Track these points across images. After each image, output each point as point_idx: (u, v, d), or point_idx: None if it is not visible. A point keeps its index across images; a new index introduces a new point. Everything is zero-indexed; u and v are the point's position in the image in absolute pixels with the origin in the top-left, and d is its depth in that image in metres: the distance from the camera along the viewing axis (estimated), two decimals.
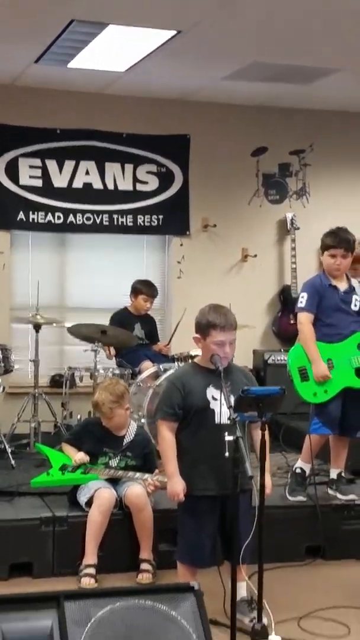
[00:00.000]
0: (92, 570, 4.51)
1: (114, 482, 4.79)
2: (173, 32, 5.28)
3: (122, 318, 6.80)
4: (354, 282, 5.12)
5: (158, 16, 5.00)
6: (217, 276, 7.49)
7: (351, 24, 4.86)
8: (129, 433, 4.92)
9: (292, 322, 7.20)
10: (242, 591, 4.07)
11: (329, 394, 4.95)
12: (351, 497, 5.14)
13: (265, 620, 3.86)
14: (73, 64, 6.09)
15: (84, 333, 6.27)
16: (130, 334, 6.56)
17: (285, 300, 7.56)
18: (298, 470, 5.17)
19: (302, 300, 5.07)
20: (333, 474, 5.22)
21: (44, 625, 2.91)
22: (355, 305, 5.03)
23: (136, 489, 4.69)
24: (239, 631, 3.69)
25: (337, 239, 5.05)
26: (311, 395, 5.00)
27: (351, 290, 5.05)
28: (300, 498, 5.09)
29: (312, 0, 4.55)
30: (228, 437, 3.65)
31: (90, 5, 4.73)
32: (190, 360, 5.13)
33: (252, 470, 3.63)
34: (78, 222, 7.19)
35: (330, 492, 5.21)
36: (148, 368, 6.33)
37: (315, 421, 5.07)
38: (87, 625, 2.92)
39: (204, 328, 4.03)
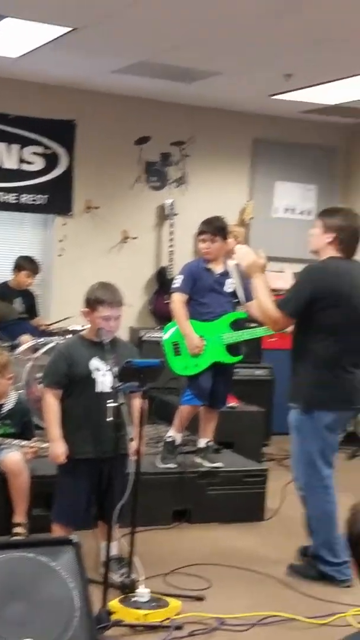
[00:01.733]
0: None
1: None
2: (68, 29, 5.42)
3: (2, 292, 6.91)
4: (228, 265, 5.49)
5: (55, 13, 5.14)
6: (97, 256, 7.72)
7: (230, 33, 5.21)
8: (9, 402, 5.04)
9: (166, 302, 7.43)
10: (113, 550, 4.28)
11: (199, 367, 5.31)
12: (217, 464, 5.49)
13: (134, 576, 4.12)
14: None
15: None
16: (10, 307, 6.68)
17: (162, 281, 7.83)
18: (169, 439, 5.48)
19: (177, 281, 5.43)
20: (201, 443, 5.57)
21: None
22: (229, 288, 5.37)
23: (13, 455, 4.80)
24: (110, 586, 3.93)
25: (204, 225, 5.44)
26: (182, 368, 5.37)
27: (226, 273, 5.39)
28: (171, 465, 5.40)
29: (199, 10, 4.83)
30: (111, 404, 3.91)
31: None
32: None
33: (132, 434, 3.95)
34: None
35: (198, 460, 5.54)
36: (27, 341, 6.46)
37: (187, 393, 5.42)
38: None
39: (92, 303, 4.29)
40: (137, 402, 4.28)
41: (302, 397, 4.42)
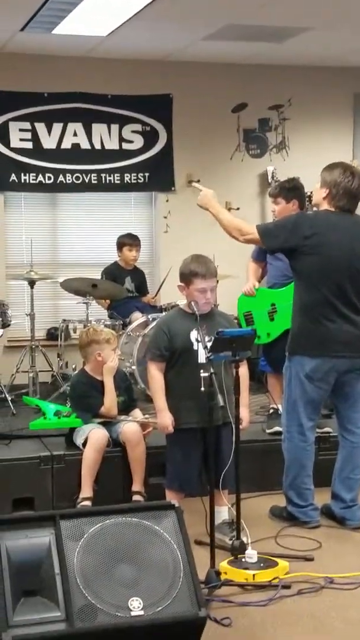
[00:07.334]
0: (88, 503, 4.80)
1: (108, 424, 5.08)
2: None
3: (113, 272, 7.05)
4: None
5: None
6: (201, 229, 7.67)
7: None
8: None
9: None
10: (225, 514, 4.42)
11: (272, 337, 5.37)
12: (326, 429, 5.39)
13: (244, 538, 4.17)
14: (57, 30, 6.28)
15: (75, 287, 6.53)
16: (119, 287, 6.82)
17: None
18: (271, 411, 5.61)
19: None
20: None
21: (42, 541, 3.24)
22: None
23: (132, 426, 5.00)
24: (221, 549, 4.04)
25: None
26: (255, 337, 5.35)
27: None
28: (277, 428, 5.29)
29: None
30: (203, 374, 3.96)
31: None
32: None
33: (224, 402, 3.95)
34: (68, 182, 7.41)
35: None
36: (138, 318, 6.61)
37: (262, 359, 5.52)
38: (81, 540, 3.25)
39: (187, 277, 4.38)
40: (244, 371, 4.35)
41: (288, 342, 4.59)
